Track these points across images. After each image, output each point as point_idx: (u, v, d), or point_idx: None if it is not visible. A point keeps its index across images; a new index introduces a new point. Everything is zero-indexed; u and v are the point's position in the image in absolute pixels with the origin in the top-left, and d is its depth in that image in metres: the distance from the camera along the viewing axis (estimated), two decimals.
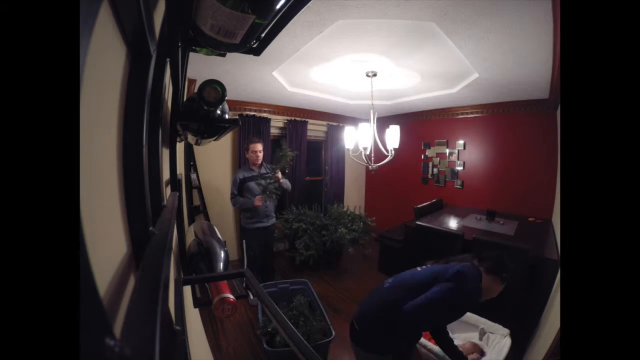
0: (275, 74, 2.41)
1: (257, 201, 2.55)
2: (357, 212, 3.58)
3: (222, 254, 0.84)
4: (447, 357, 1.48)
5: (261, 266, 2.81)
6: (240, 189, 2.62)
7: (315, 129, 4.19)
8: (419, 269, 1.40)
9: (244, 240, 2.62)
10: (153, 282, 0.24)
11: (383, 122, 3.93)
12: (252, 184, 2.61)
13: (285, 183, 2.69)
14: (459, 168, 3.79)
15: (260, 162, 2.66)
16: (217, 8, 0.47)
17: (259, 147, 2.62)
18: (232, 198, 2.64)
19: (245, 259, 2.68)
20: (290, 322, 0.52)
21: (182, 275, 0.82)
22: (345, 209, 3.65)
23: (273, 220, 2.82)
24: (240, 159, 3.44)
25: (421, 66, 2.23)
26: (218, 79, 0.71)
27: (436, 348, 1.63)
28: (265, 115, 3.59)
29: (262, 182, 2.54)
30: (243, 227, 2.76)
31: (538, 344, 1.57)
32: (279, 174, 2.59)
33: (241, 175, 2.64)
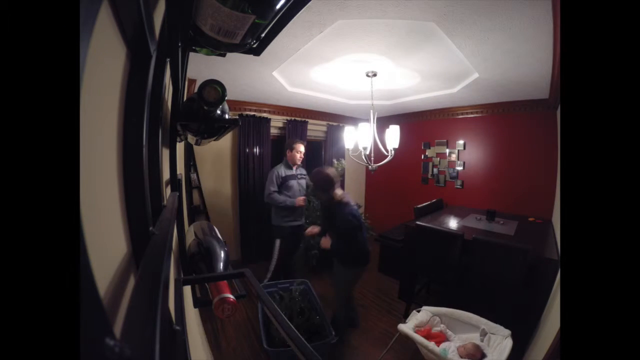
0: (275, 74, 2.41)
1: (300, 201, 2.65)
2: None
3: (222, 254, 0.84)
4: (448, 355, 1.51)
5: (288, 265, 2.85)
6: (280, 186, 2.68)
7: (315, 129, 4.19)
8: None
9: (278, 240, 2.74)
10: (153, 282, 0.24)
11: (383, 122, 3.93)
12: (293, 182, 2.71)
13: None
14: (459, 168, 3.78)
15: (300, 162, 2.79)
16: (217, 8, 0.47)
17: (303, 148, 2.77)
18: (270, 194, 2.64)
19: (275, 260, 2.73)
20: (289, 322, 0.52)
21: (182, 275, 0.82)
22: None
23: (303, 220, 2.92)
24: (240, 159, 3.44)
25: (421, 66, 2.23)
26: (218, 79, 0.71)
27: (438, 349, 1.63)
28: (265, 115, 3.59)
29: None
30: (277, 226, 2.74)
31: (538, 344, 1.57)
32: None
33: (283, 172, 2.69)
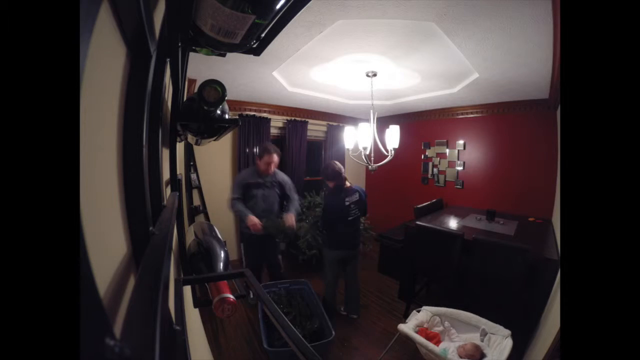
0: (275, 74, 2.41)
1: (252, 225, 2.19)
2: None
3: (222, 254, 0.84)
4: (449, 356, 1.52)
5: (260, 274, 2.61)
6: (244, 193, 2.36)
7: (315, 129, 4.19)
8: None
9: (242, 244, 2.55)
10: (153, 282, 0.24)
11: (383, 122, 3.93)
12: (257, 192, 2.36)
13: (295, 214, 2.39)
14: (459, 168, 3.78)
15: (271, 172, 2.40)
16: (217, 8, 0.47)
17: (276, 159, 2.34)
18: (231, 200, 2.35)
19: (244, 263, 2.58)
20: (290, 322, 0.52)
21: (182, 275, 0.82)
22: None
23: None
24: (240, 159, 3.44)
25: (421, 66, 2.23)
26: (218, 79, 0.71)
27: (438, 349, 1.63)
28: (265, 115, 3.59)
29: (270, 225, 2.22)
30: (241, 232, 2.55)
31: (538, 344, 1.57)
32: (292, 219, 2.29)
33: (246, 179, 2.37)
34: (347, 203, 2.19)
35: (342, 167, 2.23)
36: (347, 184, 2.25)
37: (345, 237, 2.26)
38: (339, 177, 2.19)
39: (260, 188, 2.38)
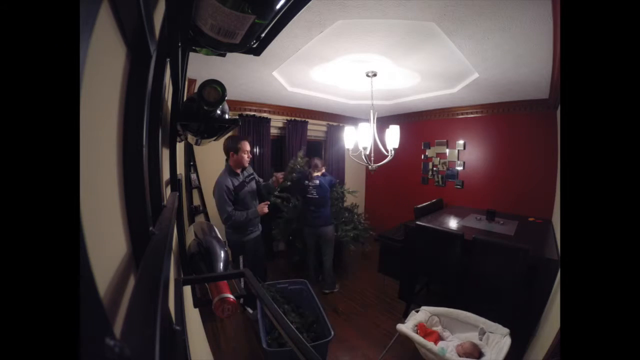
0: (275, 74, 2.41)
1: (265, 209, 2.22)
2: (354, 210, 3.53)
3: (222, 254, 0.84)
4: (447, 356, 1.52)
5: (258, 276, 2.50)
6: (232, 201, 2.19)
7: (315, 129, 4.19)
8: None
9: (241, 257, 2.37)
10: (153, 282, 0.24)
11: (383, 122, 3.93)
12: (244, 193, 2.23)
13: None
14: (459, 168, 3.78)
15: (248, 163, 2.32)
16: (217, 8, 0.47)
17: (249, 146, 2.26)
18: (229, 217, 2.12)
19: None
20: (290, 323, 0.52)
21: (182, 275, 0.82)
22: (344, 203, 3.61)
23: (260, 227, 2.48)
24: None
25: (421, 66, 2.23)
26: (218, 79, 0.71)
27: (436, 348, 1.63)
28: (265, 115, 3.59)
29: (269, 183, 2.40)
30: (237, 242, 2.30)
31: (538, 344, 1.57)
32: (280, 175, 2.40)
33: (230, 183, 2.16)
34: (306, 183, 2.79)
35: (318, 163, 2.83)
36: (315, 173, 2.79)
37: (310, 215, 2.82)
38: (314, 168, 2.84)
39: (244, 187, 2.24)
